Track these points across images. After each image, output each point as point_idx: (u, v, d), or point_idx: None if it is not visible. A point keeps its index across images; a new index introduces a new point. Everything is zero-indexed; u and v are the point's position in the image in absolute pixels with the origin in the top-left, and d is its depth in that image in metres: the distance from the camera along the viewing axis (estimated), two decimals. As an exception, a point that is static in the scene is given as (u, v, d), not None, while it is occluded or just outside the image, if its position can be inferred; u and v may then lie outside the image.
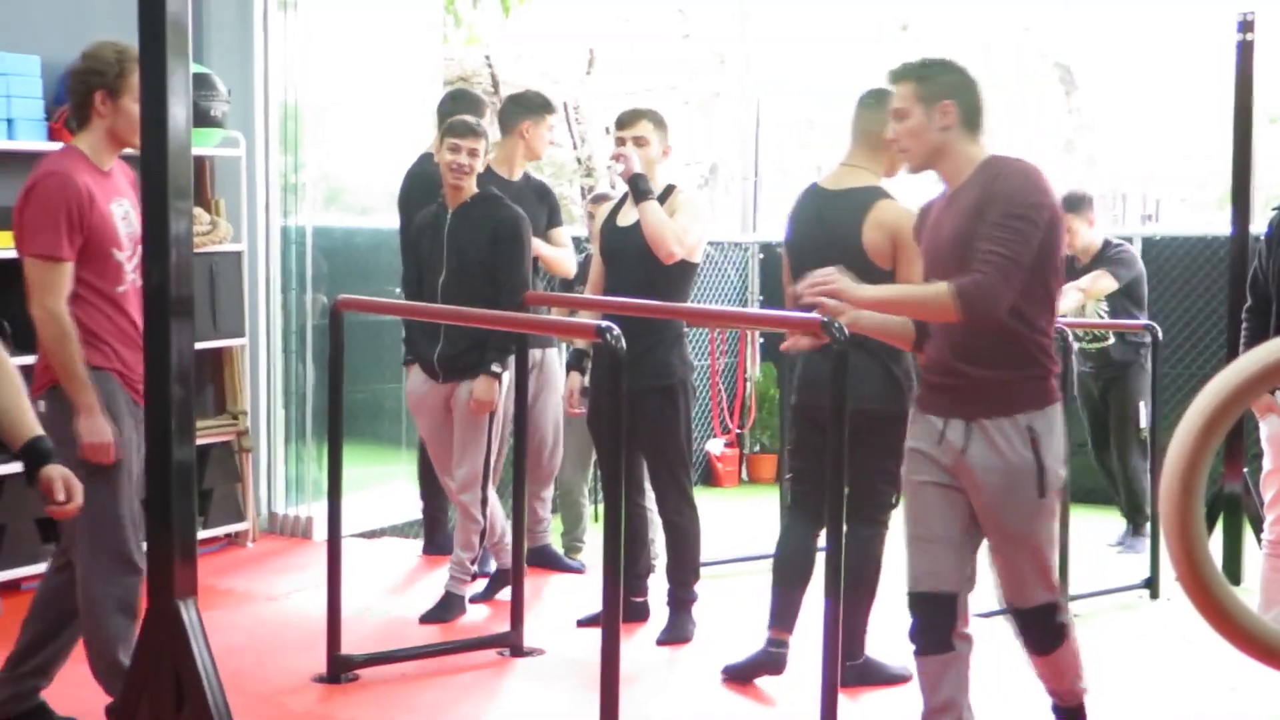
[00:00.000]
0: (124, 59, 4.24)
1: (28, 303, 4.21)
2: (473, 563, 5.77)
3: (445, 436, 5.74)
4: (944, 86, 3.83)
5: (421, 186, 6.14)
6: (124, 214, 4.28)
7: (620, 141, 5.54)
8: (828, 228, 4.79)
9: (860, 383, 4.46)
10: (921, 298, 3.83)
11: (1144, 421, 7.47)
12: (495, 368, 5.55)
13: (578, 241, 9.15)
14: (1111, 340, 7.58)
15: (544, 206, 6.38)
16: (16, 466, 6.01)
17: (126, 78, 4.21)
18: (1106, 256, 7.47)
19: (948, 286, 3.71)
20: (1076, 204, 7.44)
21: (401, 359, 5.86)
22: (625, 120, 5.58)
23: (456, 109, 6.13)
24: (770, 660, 4.96)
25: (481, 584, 6.00)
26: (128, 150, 4.26)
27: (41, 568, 6.15)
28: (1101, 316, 7.46)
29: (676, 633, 5.50)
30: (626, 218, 5.54)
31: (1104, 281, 7.38)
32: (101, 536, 4.21)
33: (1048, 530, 3.94)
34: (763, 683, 4.94)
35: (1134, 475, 7.61)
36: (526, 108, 6.39)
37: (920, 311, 3.87)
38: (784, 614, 4.94)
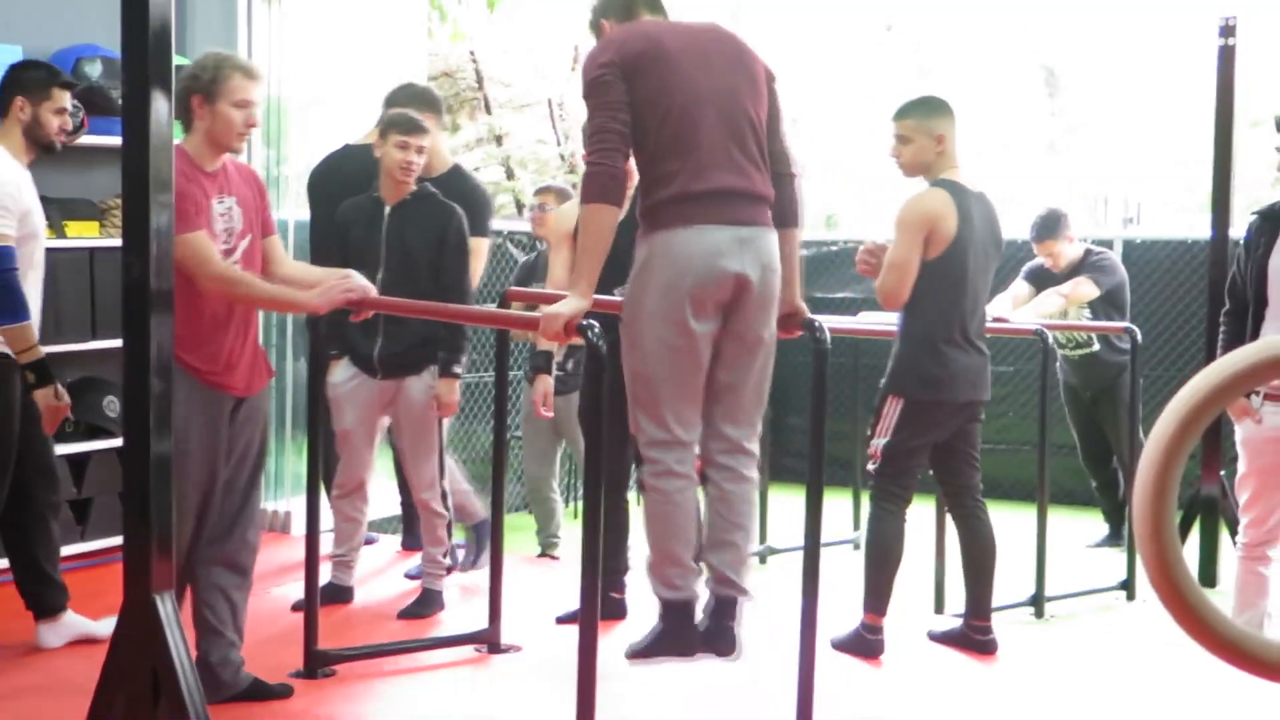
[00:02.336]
0: (222, 66, 4.39)
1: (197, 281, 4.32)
2: (444, 555, 5.78)
3: (371, 432, 5.68)
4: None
5: (340, 178, 5.93)
6: (224, 210, 4.40)
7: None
8: (993, 226, 5.21)
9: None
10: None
11: None
12: (457, 369, 5.54)
13: (529, 239, 9.01)
14: (1097, 347, 7.57)
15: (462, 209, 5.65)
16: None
17: (222, 84, 4.35)
18: (1088, 264, 7.47)
19: None
20: (1054, 226, 7.44)
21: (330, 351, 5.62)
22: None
23: (398, 99, 5.94)
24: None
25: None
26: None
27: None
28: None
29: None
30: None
31: (1085, 288, 7.38)
32: None
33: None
34: (741, 681, 4.95)
35: None
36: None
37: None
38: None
